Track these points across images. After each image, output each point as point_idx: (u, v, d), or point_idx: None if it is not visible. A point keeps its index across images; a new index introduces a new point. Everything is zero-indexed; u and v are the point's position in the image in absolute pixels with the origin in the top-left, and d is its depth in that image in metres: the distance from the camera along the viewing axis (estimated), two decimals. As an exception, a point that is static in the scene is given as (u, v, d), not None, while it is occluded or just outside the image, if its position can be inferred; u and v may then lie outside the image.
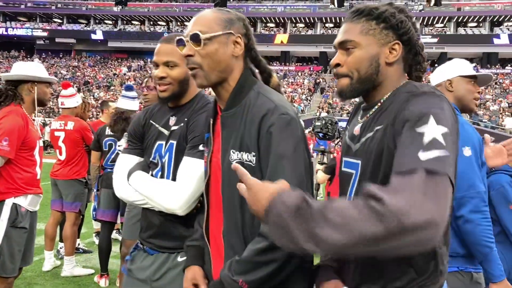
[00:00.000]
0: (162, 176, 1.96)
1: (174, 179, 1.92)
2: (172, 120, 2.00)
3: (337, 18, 46.05)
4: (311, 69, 44.39)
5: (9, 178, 3.00)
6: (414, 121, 1.13)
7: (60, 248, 5.49)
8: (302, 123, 1.50)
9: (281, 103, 1.44)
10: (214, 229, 1.60)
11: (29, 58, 46.79)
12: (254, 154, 1.42)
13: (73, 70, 45.75)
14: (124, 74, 42.68)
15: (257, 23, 46.85)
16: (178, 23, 49.12)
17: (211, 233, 1.62)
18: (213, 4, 47.96)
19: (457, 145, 1.18)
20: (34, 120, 3.19)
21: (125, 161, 2.07)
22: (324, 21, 46.97)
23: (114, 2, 50.15)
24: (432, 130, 1.09)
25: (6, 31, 48.92)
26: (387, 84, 1.37)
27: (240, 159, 1.44)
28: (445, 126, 1.10)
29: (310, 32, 46.82)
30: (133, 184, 1.95)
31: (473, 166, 2.14)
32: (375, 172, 1.26)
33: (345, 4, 46.79)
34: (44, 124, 21.25)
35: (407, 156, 1.07)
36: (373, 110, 1.36)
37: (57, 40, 48.30)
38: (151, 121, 2.08)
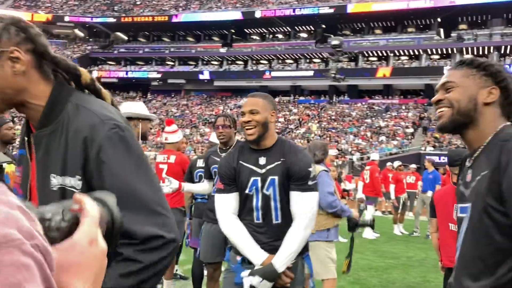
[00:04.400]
0: (267, 206, 2.48)
1: (282, 208, 2.46)
2: (262, 160, 2.50)
3: (443, 49, 44.01)
4: (416, 101, 42.64)
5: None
6: None
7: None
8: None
9: (106, 114, 1.22)
10: None
11: (144, 98, 51.12)
12: (79, 178, 1.20)
13: (182, 108, 48.98)
14: (230, 110, 44.62)
15: (358, 57, 46.42)
16: (280, 61, 50.52)
17: None
18: (314, 41, 48.70)
19: None
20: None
21: (224, 201, 2.55)
22: (430, 52, 45.12)
23: (221, 44, 53.29)
24: None
25: (126, 74, 54.09)
26: (481, 123, 1.52)
27: (62, 184, 1.22)
28: None
29: (414, 64, 45.25)
30: (226, 231, 2.53)
31: None
32: (481, 210, 1.41)
33: (452, 35, 44.68)
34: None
35: None
36: (477, 153, 1.52)
37: (169, 81, 52.16)
38: (241, 162, 2.56)
